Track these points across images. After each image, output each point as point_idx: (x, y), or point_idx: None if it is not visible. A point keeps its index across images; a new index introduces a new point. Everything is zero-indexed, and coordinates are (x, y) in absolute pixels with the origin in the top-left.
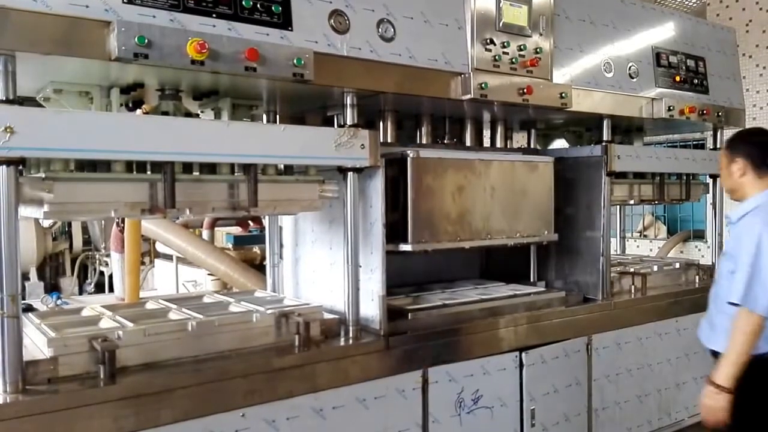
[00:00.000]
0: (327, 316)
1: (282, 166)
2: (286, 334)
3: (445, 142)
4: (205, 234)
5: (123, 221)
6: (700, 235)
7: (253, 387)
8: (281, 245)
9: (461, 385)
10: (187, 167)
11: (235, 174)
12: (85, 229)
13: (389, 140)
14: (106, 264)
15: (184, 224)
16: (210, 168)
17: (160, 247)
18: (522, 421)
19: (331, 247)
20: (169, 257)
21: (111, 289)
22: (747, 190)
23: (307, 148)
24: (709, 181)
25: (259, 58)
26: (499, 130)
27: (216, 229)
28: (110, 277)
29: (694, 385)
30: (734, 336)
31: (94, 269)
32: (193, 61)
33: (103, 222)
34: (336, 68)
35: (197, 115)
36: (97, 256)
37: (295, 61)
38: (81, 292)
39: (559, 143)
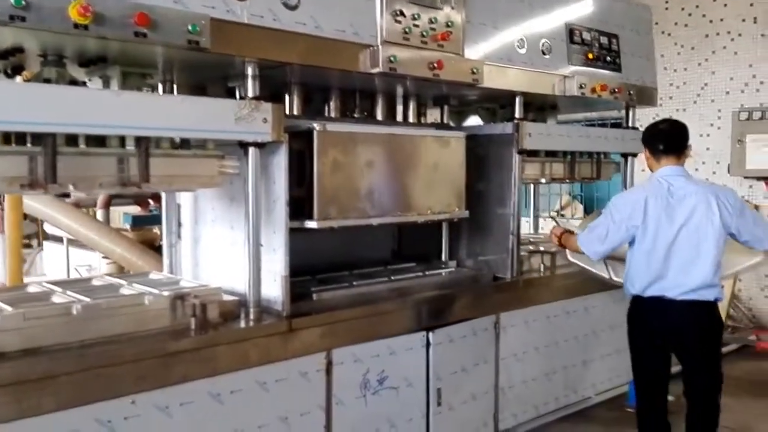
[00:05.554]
0: (226, 297)
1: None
2: (182, 317)
3: (355, 116)
4: (100, 214)
5: (3, 198)
6: None
7: (145, 372)
8: (179, 224)
9: (367, 366)
10: (75, 139)
11: (126, 147)
12: None
13: (296, 113)
14: None
15: (75, 203)
16: (100, 141)
17: (50, 229)
18: (428, 400)
19: (232, 226)
20: (59, 239)
21: None
22: (653, 170)
23: (204, 120)
24: (621, 160)
25: (150, 23)
26: (412, 105)
27: (112, 208)
28: None
29: (601, 362)
30: (574, 242)
31: None
32: (76, 25)
33: None
34: (236, 36)
35: (84, 84)
36: None
37: (189, 27)
38: None
39: (474, 120)
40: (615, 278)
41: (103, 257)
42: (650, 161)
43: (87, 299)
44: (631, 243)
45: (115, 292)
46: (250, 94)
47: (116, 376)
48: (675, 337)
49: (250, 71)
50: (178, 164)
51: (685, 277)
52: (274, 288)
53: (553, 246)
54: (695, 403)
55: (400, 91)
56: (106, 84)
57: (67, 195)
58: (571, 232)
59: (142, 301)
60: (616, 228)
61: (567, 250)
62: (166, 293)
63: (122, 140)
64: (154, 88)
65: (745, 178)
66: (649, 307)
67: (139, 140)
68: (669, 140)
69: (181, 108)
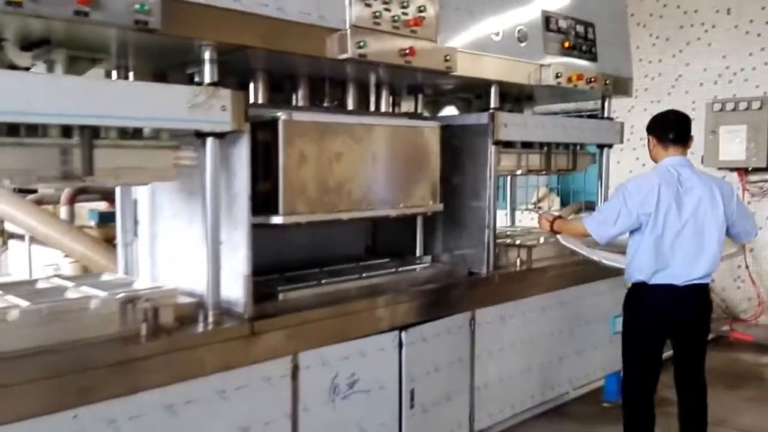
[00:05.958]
0: (183, 299)
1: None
2: (133, 322)
3: (325, 105)
4: (64, 210)
5: None
6: (591, 207)
7: (88, 383)
8: (136, 221)
9: (336, 370)
10: (14, 129)
11: (73, 138)
12: None
13: (261, 102)
14: None
15: (38, 200)
16: (38, 130)
17: (13, 227)
18: (401, 403)
19: (191, 222)
20: (22, 238)
21: None
22: (658, 159)
23: (155, 108)
24: (597, 151)
25: (92, 1)
26: (384, 94)
27: (80, 204)
28: None
29: (577, 358)
30: (574, 226)
31: None
32: (8, 2)
33: None
34: (190, 17)
35: (27, 69)
36: None
37: (137, 6)
38: None
39: (450, 111)
40: (605, 261)
41: (65, 256)
42: (656, 149)
43: (27, 303)
44: (634, 230)
45: (60, 295)
46: (207, 79)
47: (57, 388)
48: (679, 321)
49: (207, 55)
50: (127, 156)
51: (690, 268)
52: (235, 288)
53: (545, 232)
54: (689, 383)
55: (371, 79)
56: (51, 69)
57: (32, 191)
58: (561, 218)
59: (87, 305)
60: (628, 213)
61: (558, 235)
62: (115, 296)
63: (65, 130)
64: (107, 75)
65: (718, 169)
66: (655, 294)
67: (82, 129)
68: (678, 129)
69: (128, 94)
